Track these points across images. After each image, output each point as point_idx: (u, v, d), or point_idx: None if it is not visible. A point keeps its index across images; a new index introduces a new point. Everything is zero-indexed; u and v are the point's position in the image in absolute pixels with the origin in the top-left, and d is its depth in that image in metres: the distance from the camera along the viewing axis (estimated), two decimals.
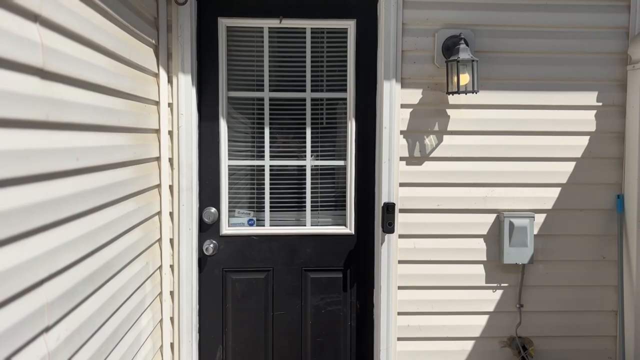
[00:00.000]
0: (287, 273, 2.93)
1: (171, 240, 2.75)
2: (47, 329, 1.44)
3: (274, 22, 2.81)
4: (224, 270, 2.89)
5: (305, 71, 2.88)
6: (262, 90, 2.88)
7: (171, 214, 2.74)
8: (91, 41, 1.75)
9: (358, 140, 2.89)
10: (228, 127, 2.87)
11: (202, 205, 2.85)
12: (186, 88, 2.69)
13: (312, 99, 2.89)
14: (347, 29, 2.85)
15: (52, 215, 1.47)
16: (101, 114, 1.84)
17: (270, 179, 2.92)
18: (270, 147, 2.91)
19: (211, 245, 2.83)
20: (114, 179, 1.99)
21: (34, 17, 1.36)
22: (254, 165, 2.92)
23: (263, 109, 2.89)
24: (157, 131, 2.66)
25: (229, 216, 2.91)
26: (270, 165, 2.91)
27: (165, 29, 2.65)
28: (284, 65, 2.88)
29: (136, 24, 2.26)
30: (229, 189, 2.90)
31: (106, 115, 1.89)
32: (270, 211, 2.93)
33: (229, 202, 2.90)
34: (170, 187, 2.72)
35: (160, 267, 2.70)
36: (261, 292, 2.93)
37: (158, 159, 2.66)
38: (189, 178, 2.72)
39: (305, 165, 2.93)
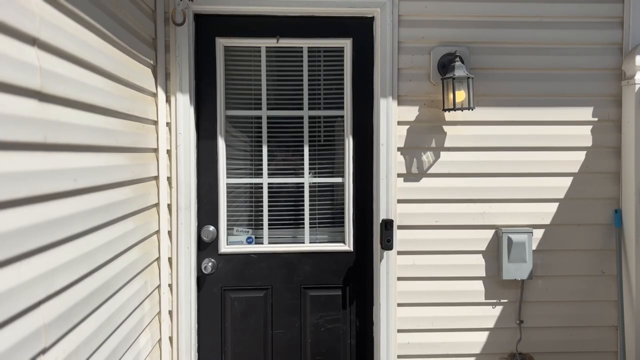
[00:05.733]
0: (286, 291, 2.92)
1: (170, 260, 2.74)
2: (44, 351, 1.44)
3: (271, 42, 2.84)
4: (223, 289, 2.89)
5: (302, 89, 2.90)
6: (260, 108, 2.90)
7: (170, 232, 2.74)
8: (89, 63, 1.77)
9: (356, 158, 2.90)
10: (226, 146, 2.88)
11: (201, 224, 2.85)
12: (184, 107, 2.71)
13: (310, 117, 2.91)
14: (343, 47, 2.88)
15: (50, 237, 1.47)
16: (99, 134, 1.86)
17: (269, 197, 2.93)
18: (269, 164, 2.92)
19: (210, 264, 2.82)
20: (112, 198, 1.99)
21: (32, 41, 1.38)
22: (252, 183, 2.92)
23: (261, 127, 2.91)
24: (156, 150, 2.67)
25: (228, 234, 2.92)
26: (269, 183, 2.92)
27: (163, 49, 2.68)
28: (281, 84, 2.91)
29: (134, 45, 2.29)
30: (228, 207, 2.90)
31: (104, 135, 1.91)
32: (269, 229, 2.93)
33: (228, 220, 2.91)
34: (169, 206, 2.73)
35: (158, 287, 2.69)
36: (260, 311, 2.92)
37: (156, 178, 2.67)
38: (187, 197, 2.73)
39: (303, 183, 2.94)
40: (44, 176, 1.43)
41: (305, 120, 2.92)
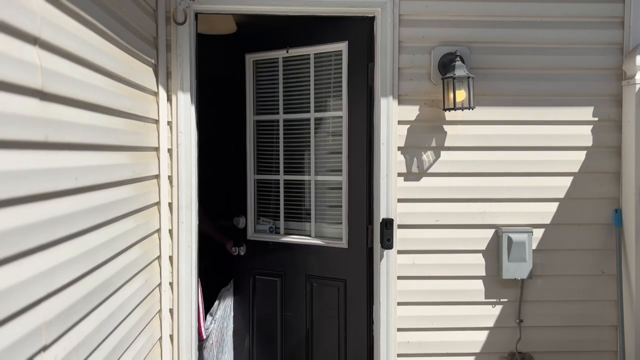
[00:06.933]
0: (295, 279, 3.18)
1: (170, 258, 2.75)
2: (44, 348, 1.44)
3: (283, 53, 3.15)
4: (250, 270, 3.33)
5: (309, 93, 3.11)
6: (277, 113, 3.22)
7: (170, 231, 2.75)
8: (90, 62, 1.78)
9: (355, 157, 2.92)
10: (254, 146, 3.31)
11: (233, 214, 3.36)
12: (185, 106, 2.72)
13: (317, 119, 3.10)
14: (344, 48, 2.91)
15: (51, 235, 1.48)
16: (100, 133, 1.86)
17: (285, 192, 3.24)
18: (285, 163, 3.22)
19: (240, 248, 3.31)
20: (113, 197, 2.00)
21: (33, 40, 1.39)
22: (272, 179, 3.30)
23: (278, 129, 3.23)
24: (157, 149, 2.68)
25: (255, 223, 3.35)
26: (285, 180, 3.23)
27: (164, 48, 2.68)
28: (294, 89, 3.16)
29: (135, 44, 2.30)
30: (257, 199, 3.33)
31: (105, 134, 1.91)
32: (285, 220, 3.25)
33: (256, 211, 3.33)
34: (170, 205, 2.74)
35: (159, 285, 2.70)
36: (275, 293, 3.25)
37: (157, 176, 2.68)
38: (188, 195, 2.74)
39: (310, 180, 3.14)
40: (45, 175, 1.44)
41: (312, 122, 3.12)
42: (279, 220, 3.26)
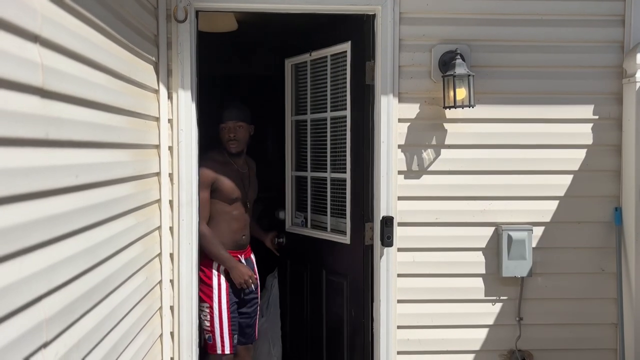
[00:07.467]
0: (314, 271, 3.35)
1: (171, 255, 2.75)
2: (45, 345, 1.45)
3: (308, 56, 3.34)
4: (287, 260, 3.60)
5: (326, 93, 3.20)
6: (306, 113, 3.42)
7: (171, 228, 2.75)
8: (91, 60, 1.78)
9: (357, 155, 2.92)
10: (292, 144, 3.54)
11: (276, 207, 3.66)
12: (186, 104, 2.72)
13: (332, 118, 3.21)
14: (348, 47, 2.96)
15: (51, 232, 1.48)
16: (101, 131, 1.87)
17: (312, 187, 3.39)
18: (311, 160, 3.39)
19: (282, 239, 3.52)
20: (114, 194, 2.01)
21: (34, 38, 1.39)
22: (301, 176, 3.51)
23: (306, 128, 3.42)
24: (157, 147, 2.68)
25: (293, 217, 3.58)
26: (311, 176, 3.40)
27: (165, 46, 2.68)
28: (318, 90, 3.33)
29: (136, 42, 2.30)
30: (295, 194, 3.57)
31: (106, 132, 1.92)
32: (312, 213, 3.40)
33: (294, 205, 3.56)
34: (170, 202, 2.74)
35: (160, 282, 2.71)
36: (303, 283, 3.47)
37: (158, 174, 2.68)
38: (188, 193, 2.74)
39: (326, 177, 3.26)
40: (46, 172, 1.45)
41: (328, 121, 3.22)
42: (307, 213, 3.44)
